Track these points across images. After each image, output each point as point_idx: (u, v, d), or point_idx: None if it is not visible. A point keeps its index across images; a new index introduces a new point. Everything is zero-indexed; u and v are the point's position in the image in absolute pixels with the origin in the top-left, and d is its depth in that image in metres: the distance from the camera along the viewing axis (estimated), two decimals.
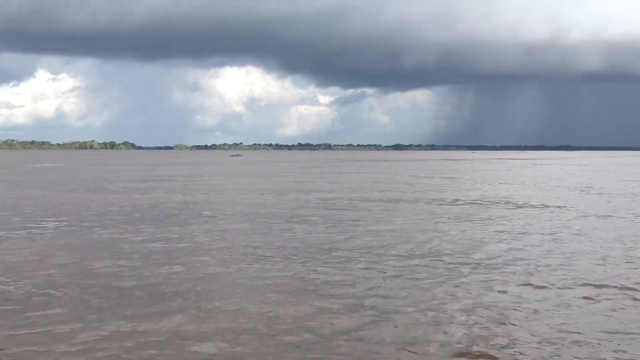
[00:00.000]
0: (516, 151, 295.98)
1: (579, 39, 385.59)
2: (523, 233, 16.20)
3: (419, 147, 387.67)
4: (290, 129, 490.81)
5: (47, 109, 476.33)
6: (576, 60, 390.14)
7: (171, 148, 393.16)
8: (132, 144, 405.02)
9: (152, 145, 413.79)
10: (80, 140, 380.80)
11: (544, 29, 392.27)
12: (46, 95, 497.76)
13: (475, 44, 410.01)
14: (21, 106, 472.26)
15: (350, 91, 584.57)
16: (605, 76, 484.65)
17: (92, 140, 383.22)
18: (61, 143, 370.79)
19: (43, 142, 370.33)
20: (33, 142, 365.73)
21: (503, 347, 7.24)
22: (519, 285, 10.23)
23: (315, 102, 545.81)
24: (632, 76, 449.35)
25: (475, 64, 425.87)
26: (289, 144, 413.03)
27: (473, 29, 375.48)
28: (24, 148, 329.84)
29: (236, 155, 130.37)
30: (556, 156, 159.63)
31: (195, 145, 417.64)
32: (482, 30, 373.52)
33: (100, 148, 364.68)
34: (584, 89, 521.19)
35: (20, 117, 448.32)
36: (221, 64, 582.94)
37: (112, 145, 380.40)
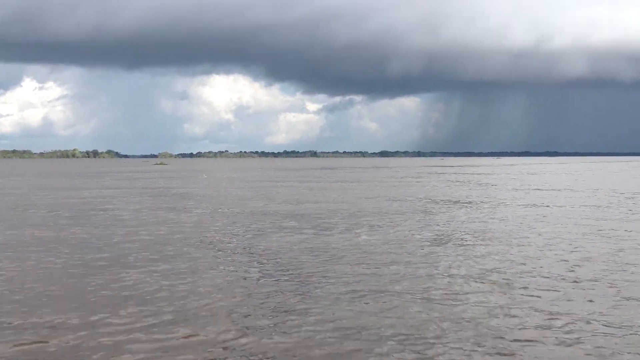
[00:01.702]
0: (493, 158, 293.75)
1: (563, 45, 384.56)
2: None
3: (405, 154, 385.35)
4: (279, 137, 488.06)
5: (33, 117, 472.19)
6: (561, 67, 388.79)
7: (156, 156, 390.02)
8: (116, 152, 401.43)
9: (137, 154, 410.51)
10: (62, 149, 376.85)
11: (528, 35, 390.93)
12: (33, 104, 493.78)
13: (460, 50, 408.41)
14: (7, 115, 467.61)
15: (337, 98, 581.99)
16: (590, 82, 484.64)
17: (74, 149, 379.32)
18: (43, 152, 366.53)
19: (24, 151, 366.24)
20: (14, 151, 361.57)
21: None
22: None
23: (303, 110, 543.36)
24: (616, 82, 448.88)
25: (461, 71, 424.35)
26: (275, 152, 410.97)
27: (458, 36, 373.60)
28: (4, 157, 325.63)
29: (160, 164, 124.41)
30: (537, 162, 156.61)
31: (181, 154, 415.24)
32: (467, 37, 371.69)
33: (82, 157, 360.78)
34: (569, 95, 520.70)
35: (6, 126, 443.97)
36: (208, 72, 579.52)
37: (95, 154, 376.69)
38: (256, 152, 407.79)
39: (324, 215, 21.83)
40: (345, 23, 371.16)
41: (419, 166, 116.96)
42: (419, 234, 16.91)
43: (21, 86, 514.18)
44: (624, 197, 30.82)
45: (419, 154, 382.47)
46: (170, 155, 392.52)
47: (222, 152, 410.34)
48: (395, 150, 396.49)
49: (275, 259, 12.97)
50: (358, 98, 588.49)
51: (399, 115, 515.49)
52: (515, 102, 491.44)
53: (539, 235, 16.59)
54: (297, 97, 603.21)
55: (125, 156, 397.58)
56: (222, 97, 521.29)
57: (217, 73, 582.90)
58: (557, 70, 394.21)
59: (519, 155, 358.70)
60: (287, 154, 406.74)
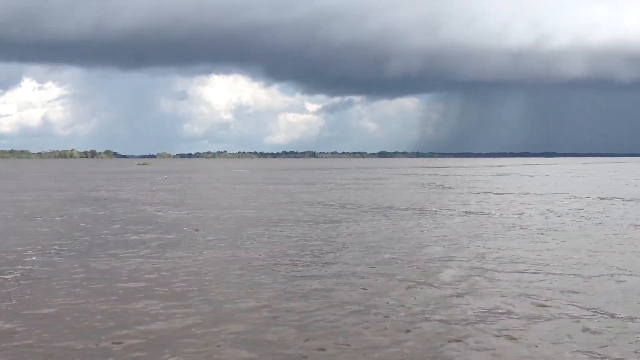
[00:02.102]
0: (489, 158, 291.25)
1: (562, 45, 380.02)
2: None
3: (404, 154, 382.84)
4: (279, 137, 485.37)
5: (33, 117, 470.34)
6: (560, 67, 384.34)
7: (154, 157, 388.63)
8: (115, 152, 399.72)
9: (137, 154, 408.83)
10: (60, 149, 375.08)
11: (528, 35, 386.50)
12: (32, 104, 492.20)
13: (460, 50, 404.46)
14: (7, 115, 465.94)
15: (337, 99, 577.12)
16: (589, 82, 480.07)
17: (72, 149, 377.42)
18: (41, 152, 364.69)
19: (22, 151, 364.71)
20: (12, 151, 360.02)
21: None
22: None
23: (302, 110, 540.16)
24: (615, 83, 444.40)
25: (461, 71, 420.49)
26: (274, 152, 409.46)
27: (457, 36, 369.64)
28: (2, 157, 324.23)
29: (143, 164, 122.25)
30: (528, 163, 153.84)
31: (180, 154, 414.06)
32: (467, 37, 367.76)
33: (80, 157, 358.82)
34: (569, 95, 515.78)
35: (6, 126, 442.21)
36: (207, 72, 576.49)
37: (93, 154, 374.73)
38: (255, 153, 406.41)
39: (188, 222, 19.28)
40: (344, 23, 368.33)
41: (407, 167, 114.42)
42: (251, 254, 14.35)
43: (20, 86, 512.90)
44: (579, 202, 28.22)
45: (418, 154, 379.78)
46: (169, 156, 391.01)
47: (221, 152, 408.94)
48: (394, 150, 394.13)
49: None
50: (357, 98, 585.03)
51: (398, 115, 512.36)
52: (515, 103, 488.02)
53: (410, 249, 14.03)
54: (297, 97, 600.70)
55: (124, 156, 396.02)
56: (221, 97, 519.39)
57: (217, 73, 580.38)
58: (557, 70, 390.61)
59: (518, 156, 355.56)
60: (285, 154, 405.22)
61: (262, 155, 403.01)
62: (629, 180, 53.28)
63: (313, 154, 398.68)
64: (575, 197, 31.55)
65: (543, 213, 23.27)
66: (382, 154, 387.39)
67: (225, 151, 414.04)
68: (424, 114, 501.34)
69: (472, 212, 23.45)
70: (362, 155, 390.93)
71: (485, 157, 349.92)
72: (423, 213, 23.35)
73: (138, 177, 63.37)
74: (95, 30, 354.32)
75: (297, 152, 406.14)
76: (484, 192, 35.86)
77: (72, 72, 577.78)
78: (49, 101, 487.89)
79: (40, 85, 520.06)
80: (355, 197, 32.46)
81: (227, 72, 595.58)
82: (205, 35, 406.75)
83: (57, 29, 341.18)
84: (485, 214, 22.77)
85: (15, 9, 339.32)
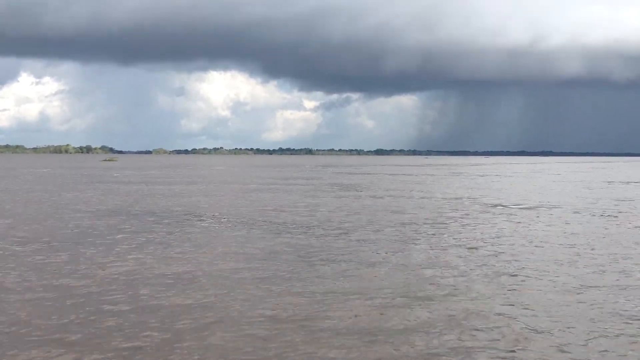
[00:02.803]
0: (483, 157, 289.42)
1: (559, 44, 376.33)
2: None
3: (400, 152, 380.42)
4: (276, 134, 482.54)
5: (30, 112, 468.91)
6: (557, 66, 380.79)
7: (150, 152, 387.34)
8: (111, 148, 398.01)
9: (133, 150, 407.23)
10: (55, 145, 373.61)
11: (525, 34, 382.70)
12: (29, 99, 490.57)
13: (457, 48, 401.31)
14: (4, 110, 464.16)
15: (334, 96, 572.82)
16: (585, 82, 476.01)
17: (67, 145, 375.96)
18: (36, 147, 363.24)
19: (17, 146, 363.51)
20: (7, 146, 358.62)
21: None
22: None
23: (300, 107, 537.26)
24: (611, 82, 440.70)
25: (458, 69, 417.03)
26: (270, 149, 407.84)
27: (455, 34, 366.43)
28: None
29: (109, 160, 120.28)
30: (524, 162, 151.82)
31: (176, 150, 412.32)
32: (464, 35, 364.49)
33: (75, 152, 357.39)
34: (565, 94, 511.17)
35: (3, 120, 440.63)
36: (204, 68, 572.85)
37: (89, 150, 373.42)
38: (251, 149, 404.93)
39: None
40: (341, 20, 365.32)
41: (390, 165, 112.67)
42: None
43: (18, 81, 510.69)
44: (514, 208, 26.72)
45: (414, 152, 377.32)
46: (165, 152, 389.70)
47: (218, 148, 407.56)
48: (391, 148, 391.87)
49: None
50: (355, 95, 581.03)
51: (395, 113, 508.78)
52: (512, 101, 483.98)
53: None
54: (295, 94, 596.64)
55: (120, 152, 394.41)
56: (219, 94, 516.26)
57: (214, 69, 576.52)
58: (554, 69, 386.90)
59: (514, 155, 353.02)
60: (282, 151, 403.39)
61: (259, 152, 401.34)
62: (594, 183, 51.72)
63: (310, 151, 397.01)
64: (494, 205, 30.07)
65: (396, 223, 21.81)
66: (379, 152, 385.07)
67: (222, 147, 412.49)
68: (421, 111, 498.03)
69: (313, 226, 21.96)
70: (359, 152, 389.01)
71: (482, 155, 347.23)
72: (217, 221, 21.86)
73: (90, 174, 61.93)
74: (92, 25, 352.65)
75: (293, 149, 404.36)
76: (390, 196, 34.40)
77: (70, 67, 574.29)
78: (46, 96, 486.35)
79: (37, 80, 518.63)
80: (210, 202, 30.99)
81: (225, 68, 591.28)
82: (202, 31, 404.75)
83: (54, 24, 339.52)
84: (315, 226, 21.28)
85: (12, 3, 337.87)
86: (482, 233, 17.67)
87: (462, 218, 21.68)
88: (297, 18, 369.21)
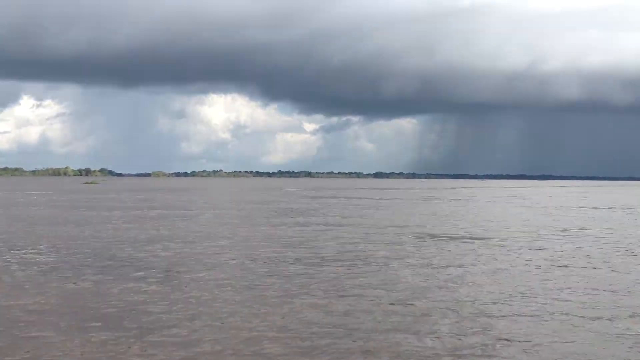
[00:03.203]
0: (478, 180, 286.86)
1: (557, 68, 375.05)
2: None
3: (400, 175, 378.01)
4: (276, 157, 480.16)
5: (30, 135, 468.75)
6: (555, 90, 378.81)
7: (150, 175, 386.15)
8: (110, 170, 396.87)
9: (133, 172, 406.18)
10: (54, 167, 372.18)
11: (522, 58, 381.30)
12: (30, 122, 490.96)
13: (456, 72, 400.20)
14: (5, 132, 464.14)
15: (334, 119, 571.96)
16: (584, 105, 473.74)
17: (67, 167, 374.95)
18: (35, 170, 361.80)
19: (16, 169, 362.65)
20: (6, 169, 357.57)
21: None
22: None
23: (300, 130, 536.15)
24: (610, 106, 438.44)
25: (457, 92, 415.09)
26: (270, 172, 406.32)
27: (454, 58, 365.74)
28: None
29: (91, 182, 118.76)
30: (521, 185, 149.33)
31: (175, 173, 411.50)
32: (463, 59, 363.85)
33: (74, 175, 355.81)
34: (564, 118, 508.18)
35: (4, 143, 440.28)
36: (204, 91, 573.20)
37: (87, 172, 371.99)
38: (251, 172, 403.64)
39: None
40: (341, 43, 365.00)
41: (372, 188, 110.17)
42: None
43: (19, 104, 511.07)
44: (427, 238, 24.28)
45: (414, 175, 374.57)
46: (164, 174, 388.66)
47: (217, 171, 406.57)
48: (391, 171, 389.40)
49: None
50: (355, 118, 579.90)
51: (395, 135, 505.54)
52: (511, 125, 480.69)
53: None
54: (295, 117, 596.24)
55: (120, 175, 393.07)
56: (219, 116, 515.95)
57: (215, 92, 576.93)
58: (552, 93, 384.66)
59: (514, 178, 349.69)
60: (281, 173, 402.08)
61: (258, 174, 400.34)
62: (561, 210, 49.29)
63: (309, 174, 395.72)
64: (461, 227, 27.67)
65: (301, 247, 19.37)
66: (378, 175, 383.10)
67: (222, 170, 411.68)
68: (420, 134, 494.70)
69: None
70: (358, 175, 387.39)
71: (482, 178, 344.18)
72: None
73: (45, 201, 59.78)
74: (92, 48, 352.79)
75: (293, 172, 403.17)
76: (319, 223, 32.03)
77: (70, 90, 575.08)
78: (47, 119, 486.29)
79: (38, 102, 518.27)
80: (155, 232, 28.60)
81: (225, 91, 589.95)
82: (202, 54, 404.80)
83: (55, 47, 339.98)
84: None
85: (13, 26, 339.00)
86: (364, 262, 15.22)
87: (373, 248, 19.23)
88: (296, 41, 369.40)
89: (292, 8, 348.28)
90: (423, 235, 24.83)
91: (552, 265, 16.74)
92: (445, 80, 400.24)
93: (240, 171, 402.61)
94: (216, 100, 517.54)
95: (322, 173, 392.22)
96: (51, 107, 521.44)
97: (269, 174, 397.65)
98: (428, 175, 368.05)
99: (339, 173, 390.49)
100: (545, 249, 20.57)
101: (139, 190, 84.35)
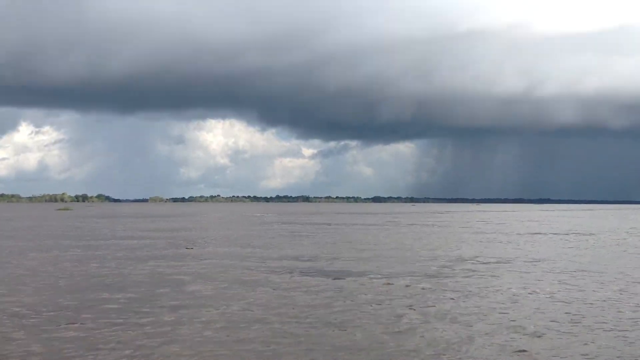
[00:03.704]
0: (474, 204, 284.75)
1: (553, 92, 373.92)
2: None
3: (398, 199, 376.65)
4: (274, 182, 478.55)
5: (29, 161, 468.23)
6: (552, 114, 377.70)
7: (147, 201, 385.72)
8: (107, 196, 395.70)
9: (130, 198, 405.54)
10: (51, 193, 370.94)
11: (519, 82, 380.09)
12: (29, 148, 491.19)
13: (454, 97, 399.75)
14: (3, 159, 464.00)
15: (332, 143, 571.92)
16: (581, 129, 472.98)
17: (63, 193, 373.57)
18: (32, 196, 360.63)
19: (12, 195, 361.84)
20: (2, 195, 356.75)
21: None
22: None
23: (298, 155, 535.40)
24: (608, 130, 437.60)
25: (454, 117, 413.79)
26: (267, 196, 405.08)
27: (450, 82, 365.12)
28: None
29: (65, 209, 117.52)
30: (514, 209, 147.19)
31: (173, 198, 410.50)
32: (459, 83, 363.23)
33: (71, 201, 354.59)
34: (561, 142, 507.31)
35: (2, 169, 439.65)
36: (202, 117, 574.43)
37: (85, 198, 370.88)
38: (248, 197, 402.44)
39: None
40: (338, 68, 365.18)
41: (358, 213, 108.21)
42: None
43: (18, 130, 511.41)
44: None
45: (412, 199, 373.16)
46: (162, 200, 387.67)
47: (214, 196, 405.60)
48: (389, 195, 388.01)
49: None
50: (353, 143, 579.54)
51: (392, 160, 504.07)
52: (508, 149, 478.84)
53: None
54: (293, 142, 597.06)
55: (118, 200, 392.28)
56: (218, 142, 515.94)
57: (213, 117, 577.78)
58: (549, 117, 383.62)
59: (512, 202, 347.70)
60: (279, 198, 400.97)
61: (256, 199, 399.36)
62: (526, 236, 47.37)
63: (307, 199, 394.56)
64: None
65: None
66: (376, 199, 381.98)
67: (219, 195, 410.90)
68: (418, 159, 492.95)
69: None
70: (356, 200, 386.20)
71: (479, 202, 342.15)
72: None
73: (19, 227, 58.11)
74: (91, 75, 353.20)
75: (290, 197, 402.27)
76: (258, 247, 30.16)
77: (69, 117, 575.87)
78: (45, 145, 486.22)
79: (37, 129, 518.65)
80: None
81: (223, 117, 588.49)
82: (200, 80, 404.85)
83: (54, 73, 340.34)
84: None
85: (11, 54, 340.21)
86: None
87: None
88: (294, 67, 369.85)
89: (289, 34, 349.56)
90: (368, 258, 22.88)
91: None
92: (442, 105, 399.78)
93: (237, 196, 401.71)
94: (214, 125, 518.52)
95: (320, 197, 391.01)
96: (50, 134, 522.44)
97: (267, 199, 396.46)
98: (426, 200, 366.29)
99: (337, 198, 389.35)
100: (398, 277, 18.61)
101: (107, 217, 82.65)
